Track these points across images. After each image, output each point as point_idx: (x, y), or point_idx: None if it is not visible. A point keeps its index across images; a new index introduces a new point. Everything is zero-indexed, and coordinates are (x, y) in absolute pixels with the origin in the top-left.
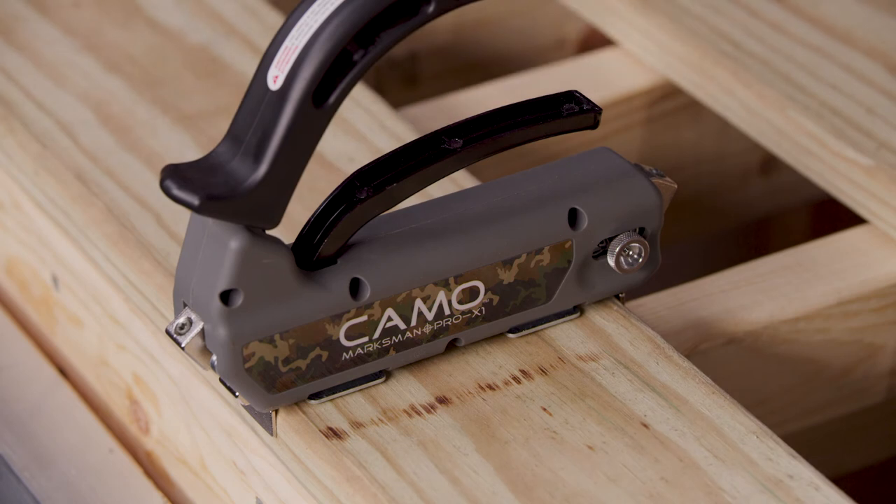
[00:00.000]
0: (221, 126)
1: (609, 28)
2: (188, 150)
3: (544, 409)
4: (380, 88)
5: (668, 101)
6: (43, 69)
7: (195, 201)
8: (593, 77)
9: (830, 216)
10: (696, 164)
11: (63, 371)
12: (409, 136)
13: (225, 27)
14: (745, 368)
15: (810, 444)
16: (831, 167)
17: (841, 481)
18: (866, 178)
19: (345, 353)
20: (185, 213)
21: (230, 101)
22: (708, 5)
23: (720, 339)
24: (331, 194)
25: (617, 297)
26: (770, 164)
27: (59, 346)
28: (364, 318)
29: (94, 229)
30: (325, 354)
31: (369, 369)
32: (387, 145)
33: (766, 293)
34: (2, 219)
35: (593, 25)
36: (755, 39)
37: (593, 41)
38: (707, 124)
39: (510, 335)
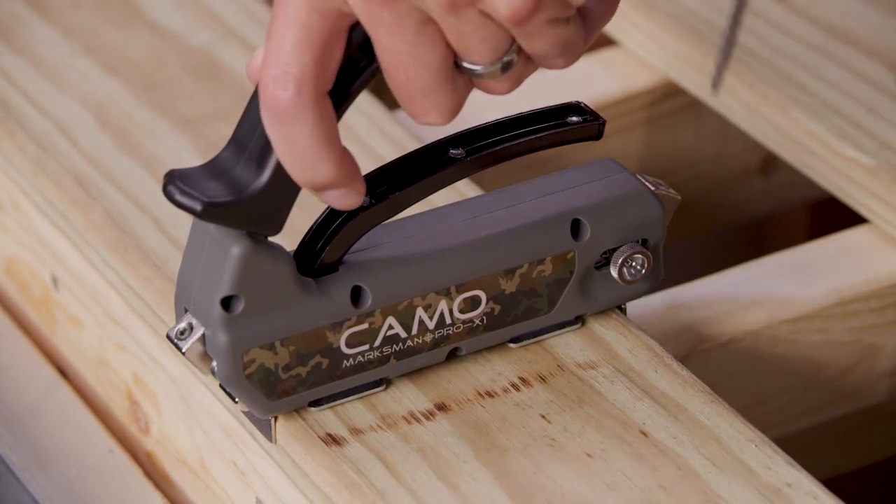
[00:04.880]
0: (221, 129)
1: (610, 27)
2: (188, 154)
3: (543, 417)
4: (379, 89)
5: (669, 100)
6: (42, 71)
7: (197, 207)
8: (594, 77)
9: (830, 216)
10: (696, 164)
11: (63, 371)
12: (408, 141)
13: (224, 30)
14: (744, 369)
15: (810, 445)
16: (833, 167)
17: (841, 481)
18: (868, 177)
19: (345, 361)
20: (185, 218)
21: (230, 105)
22: (709, 5)
23: (720, 339)
24: None
25: (619, 308)
26: (770, 164)
27: (59, 347)
28: (365, 325)
29: (94, 234)
30: (325, 362)
31: (370, 377)
32: (387, 150)
33: (766, 293)
34: (1, 219)
35: None
36: (757, 39)
37: (594, 41)
38: (707, 124)
39: (511, 345)
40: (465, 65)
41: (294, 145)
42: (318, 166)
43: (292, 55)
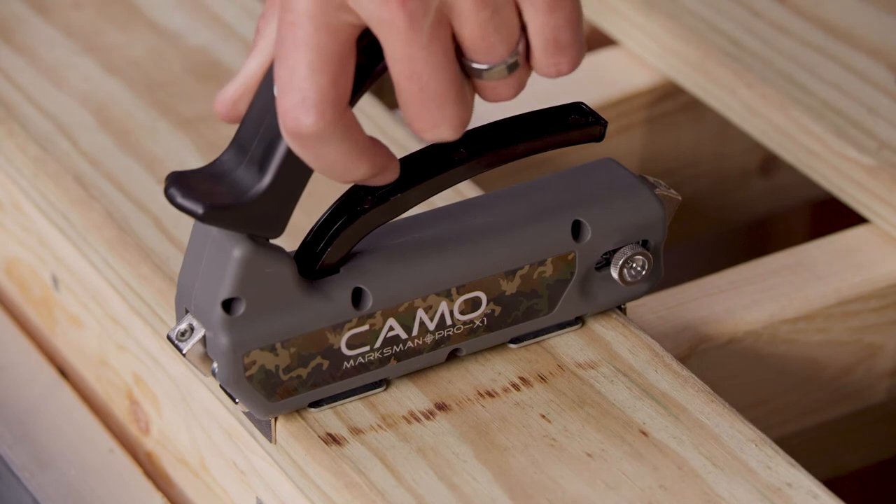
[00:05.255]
0: (221, 130)
1: (610, 27)
2: (188, 154)
3: (543, 417)
4: (380, 90)
5: (669, 100)
6: (42, 71)
7: (199, 210)
8: (594, 77)
9: (830, 216)
10: (696, 164)
11: (63, 371)
12: (409, 141)
13: (224, 30)
14: (745, 368)
15: (810, 445)
16: (833, 167)
17: (841, 481)
18: (868, 177)
19: (346, 362)
20: (185, 218)
21: None
22: (710, 5)
23: (720, 339)
24: (335, 203)
25: (619, 308)
26: (770, 164)
27: (59, 347)
28: (365, 327)
29: (94, 233)
30: (325, 363)
31: (370, 378)
32: None
33: (766, 293)
34: (1, 219)
35: (594, 25)
36: (757, 39)
37: (594, 41)
38: (707, 124)
39: (511, 346)
40: (475, 65)
41: (326, 161)
42: (354, 170)
43: (308, 80)
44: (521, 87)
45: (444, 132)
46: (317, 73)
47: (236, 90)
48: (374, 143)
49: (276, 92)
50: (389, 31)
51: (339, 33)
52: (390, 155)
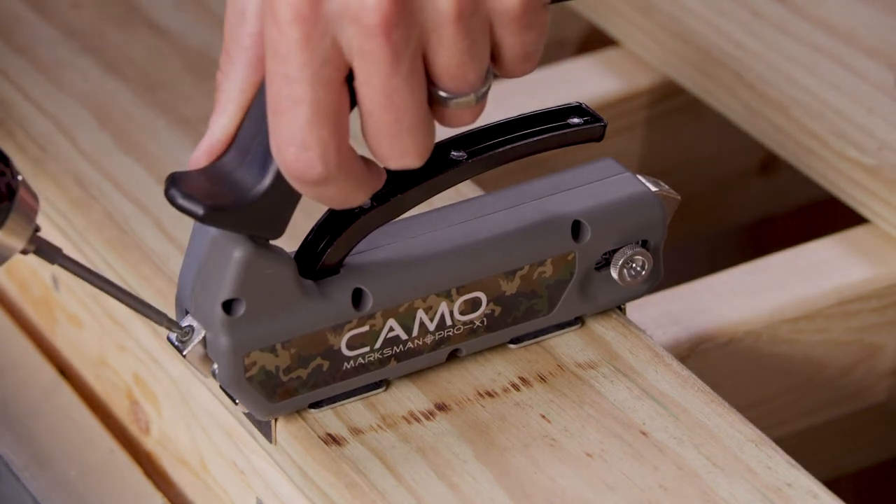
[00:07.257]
0: None
1: (610, 27)
2: (188, 154)
3: (543, 417)
4: None
5: (669, 100)
6: (42, 71)
7: (200, 211)
8: (594, 77)
9: (830, 216)
10: (696, 164)
11: (63, 371)
12: None
13: None
14: (745, 368)
15: (810, 445)
16: (833, 167)
17: (841, 482)
18: (868, 177)
19: (346, 363)
20: (185, 218)
21: None
22: (710, 5)
23: (720, 339)
24: None
25: (619, 308)
26: (770, 164)
27: (59, 347)
28: (366, 328)
29: (94, 233)
30: (325, 364)
31: (370, 379)
32: None
33: (766, 293)
34: None
35: (594, 25)
36: (757, 39)
37: (594, 41)
38: (707, 124)
39: (511, 346)
40: (443, 94)
41: (327, 197)
42: (354, 199)
43: (310, 134)
44: (482, 111)
45: (411, 160)
46: (317, 127)
47: (208, 149)
48: (369, 166)
49: (272, 141)
50: (371, 62)
51: (335, 84)
52: (381, 171)
